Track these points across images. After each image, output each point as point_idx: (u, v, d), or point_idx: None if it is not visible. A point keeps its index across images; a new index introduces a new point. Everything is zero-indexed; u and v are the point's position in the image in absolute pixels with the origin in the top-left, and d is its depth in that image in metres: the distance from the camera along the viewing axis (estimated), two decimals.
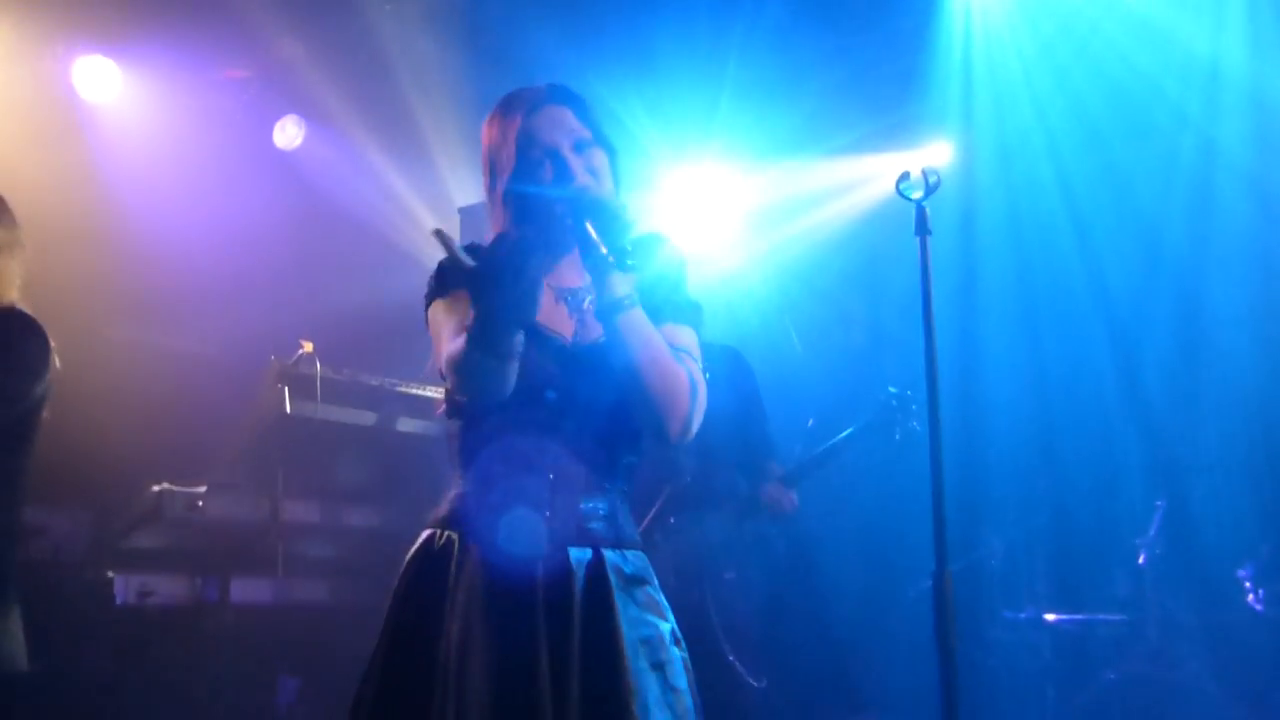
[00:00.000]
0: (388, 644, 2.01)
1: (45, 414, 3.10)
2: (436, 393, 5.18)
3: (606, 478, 2.02)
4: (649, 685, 1.86)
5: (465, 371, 1.88)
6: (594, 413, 1.98)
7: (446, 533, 2.05)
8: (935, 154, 6.27)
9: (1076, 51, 5.78)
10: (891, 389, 4.22)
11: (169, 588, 4.53)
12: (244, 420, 4.80)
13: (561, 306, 2.07)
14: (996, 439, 5.87)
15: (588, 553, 1.94)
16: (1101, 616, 4.94)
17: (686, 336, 2.08)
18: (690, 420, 1.97)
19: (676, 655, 1.94)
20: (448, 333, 2.01)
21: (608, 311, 1.92)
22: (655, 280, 2.08)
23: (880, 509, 5.55)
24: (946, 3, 5.86)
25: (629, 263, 1.85)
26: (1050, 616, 4.98)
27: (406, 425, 5.09)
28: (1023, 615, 5.08)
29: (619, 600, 1.91)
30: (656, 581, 2.03)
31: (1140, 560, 4.80)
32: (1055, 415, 5.96)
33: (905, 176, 2.20)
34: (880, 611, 5.45)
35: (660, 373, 1.94)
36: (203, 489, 4.61)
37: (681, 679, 1.92)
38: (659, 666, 1.89)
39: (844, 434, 4.23)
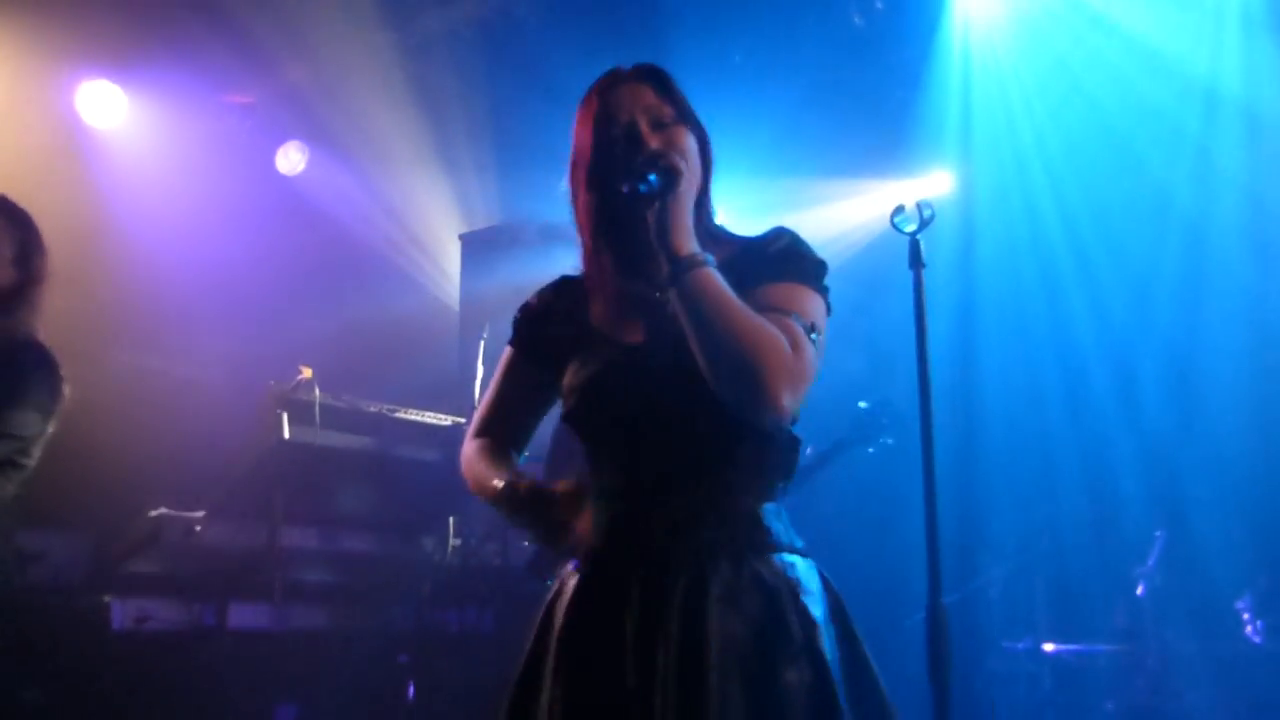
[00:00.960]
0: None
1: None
2: (435, 419, 5.20)
3: (718, 478, 1.79)
4: (733, 707, 1.64)
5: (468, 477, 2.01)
6: (681, 412, 1.77)
7: (576, 564, 1.88)
8: (935, 183, 6.31)
9: (1075, 81, 5.83)
10: (862, 404, 4.29)
11: (166, 613, 4.51)
12: (242, 446, 4.80)
13: (632, 307, 1.89)
14: (996, 468, 5.87)
15: (686, 568, 1.74)
16: (1101, 647, 4.92)
17: (787, 293, 1.79)
18: (779, 390, 1.65)
19: (799, 679, 1.68)
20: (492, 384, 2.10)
21: (672, 278, 1.71)
22: (753, 245, 1.88)
23: (879, 539, 5.54)
24: (946, 34, 5.91)
25: (646, 179, 1.71)
26: (1049, 646, 4.97)
27: (405, 451, 5.10)
28: (1021, 645, 5.07)
29: (715, 613, 1.70)
30: (810, 589, 1.78)
31: (1139, 591, 4.80)
32: (1054, 445, 5.97)
33: (900, 210, 2.20)
34: (878, 643, 5.43)
35: (736, 336, 1.66)
36: (201, 514, 4.61)
37: (799, 704, 1.67)
38: (762, 693, 1.67)
39: (818, 452, 4.29)
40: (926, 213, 2.17)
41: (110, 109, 5.96)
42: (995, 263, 6.23)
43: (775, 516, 1.83)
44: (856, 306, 6.54)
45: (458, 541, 5.10)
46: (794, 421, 1.84)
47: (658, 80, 1.94)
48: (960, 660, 2.20)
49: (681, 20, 5.67)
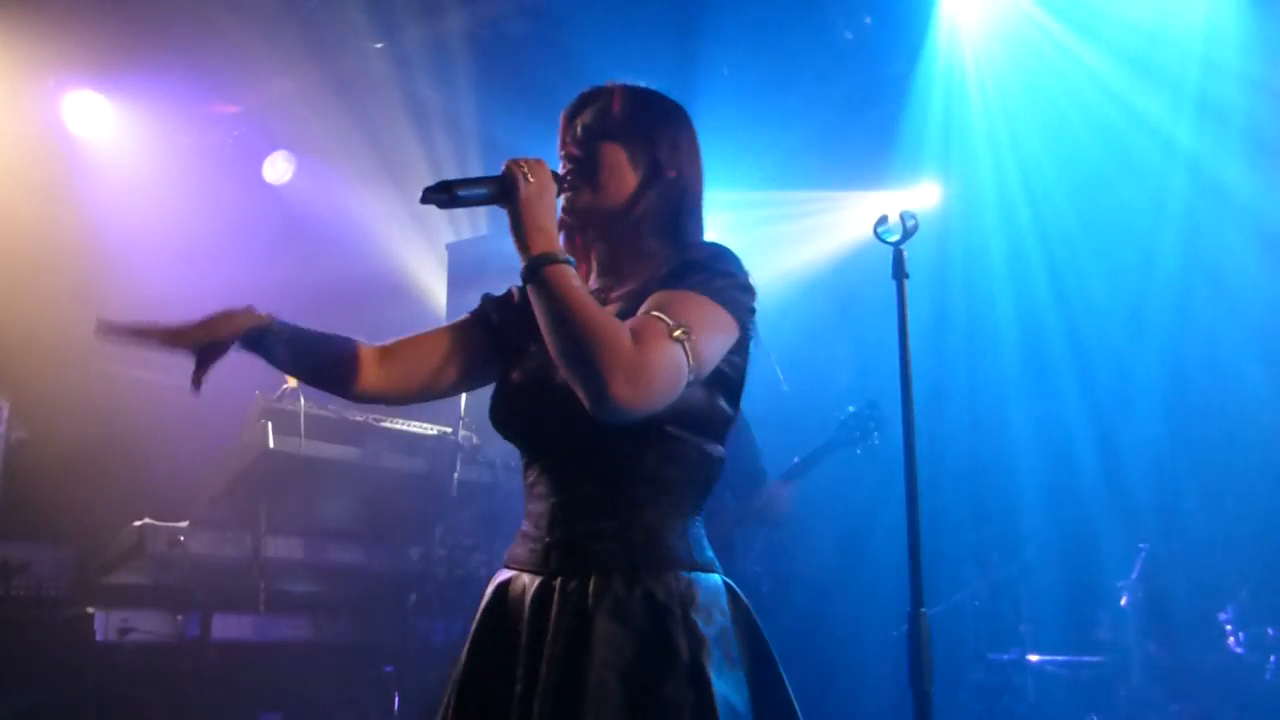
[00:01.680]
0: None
1: (16, 433, 3.04)
2: (421, 429, 5.19)
3: (620, 492, 1.80)
4: None
5: None
6: (583, 427, 1.75)
7: (501, 570, 1.94)
8: (922, 194, 6.35)
9: (1059, 93, 5.87)
10: (850, 407, 4.32)
11: (150, 624, 4.49)
12: (227, 456, 4.78)
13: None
14: (981, 480, 5.90)
15: (578, 579, 1.76)
16: (1084, 658, 4.94)
17: (663, 298, 1.78)
18: (613, 380, 1.64)
19: (680, 697, 1.68)
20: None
21: (525, 275, 1.75)
22: (673, 261, 1.88)
23: (863, 550, 5.57)
24: (932, 48, 5.95)
25: (445, 188, 1.78)
26: (1033, 658, 4.98)
27: (390, 461, 5.09)
28: (1006, 656, 5.08)
29: (601, 627, 1.72)
30: (707, 607, 1.77)
31: (1123, 602, 4.81)
32: (1039, 457, 5.99)
33: (883, 220, 2.21)
34: (862, 654, 5.45)
35: (575, 329, 1.68)
36: (185, 525, 4.60)
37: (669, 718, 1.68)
38: (639, 707, 1.68)
39: (807, 454, 4.32)
40: (910, 223, 2.18)
41: (96, 119, 5.96)
42: (980, 273, 6.27)
43: (679, 533, 1.82)
44: (840, 318, 6.59)
45: (443, 551, 5.09)
46: (722, 436, 1.88)
47: (620, 97, 1.99)
48: (944, 671, 2.20)
49: (668, 34, 5.70)
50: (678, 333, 1.71)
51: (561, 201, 1.91)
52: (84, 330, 5.81)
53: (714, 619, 1.78)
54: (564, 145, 1.99)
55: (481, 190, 1.81)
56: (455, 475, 5.02)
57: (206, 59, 5.69)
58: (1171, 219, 5.73)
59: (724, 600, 1.82)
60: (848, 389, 6.25)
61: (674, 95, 2.06)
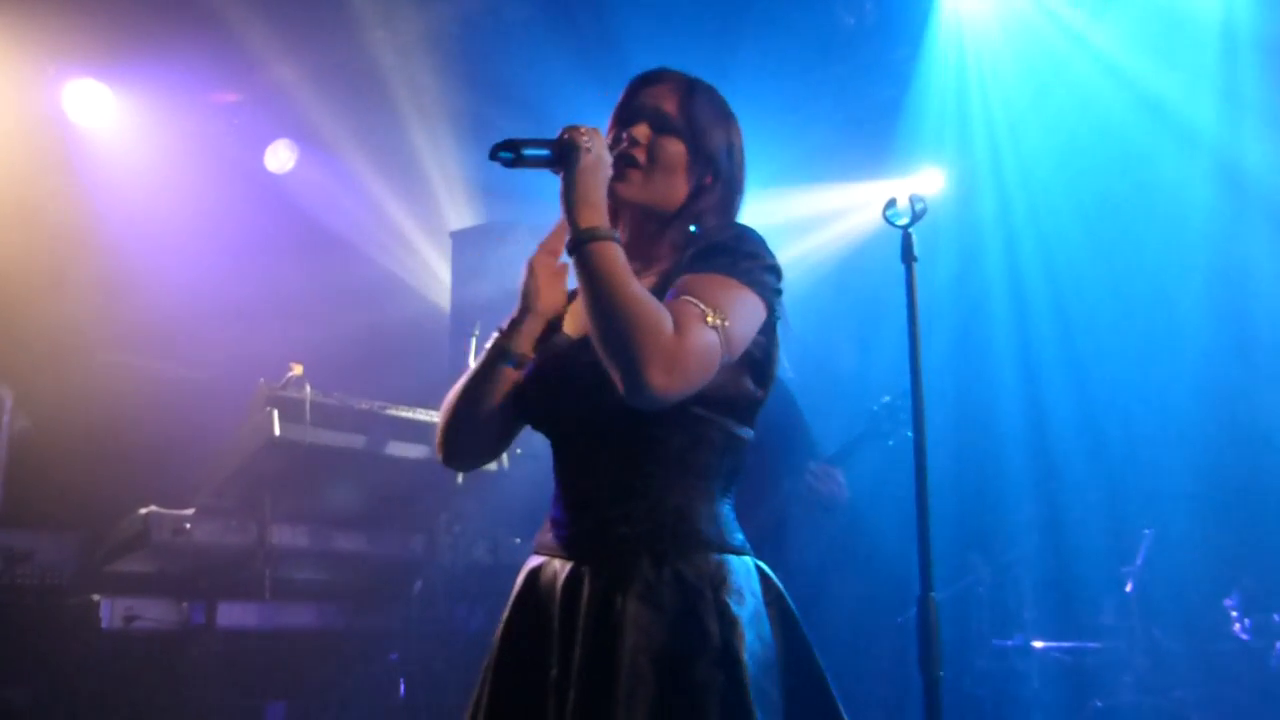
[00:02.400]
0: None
1: (20, 422, 3.01)
2: (426, 416, 5.19)
3: (648, 475, 1.80)
4: (642, 710, 1.65)
5: None
6: (609, 409, 1.75)
7: (532, 556, 1.93)
8: (927, 181, 6.33)
9: (1064, 78, 5.85)
10: (885, 398, 4.24)
11: (156, 612, 4.50)
12: (232, 444, 4.78)
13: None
14: (987, 465, 5.89)
15: (607, 563, 1.76)
16: (1089, 644, 4.94)
17: (697, 281, 1.77)
18: (651, 368, 1.64)
19: (710, 678, 1.68)
20: None
21: (570, 248, 1.75)
22: (698, 242, 1.88)
23: (869, 536, 5.56)
24: (936, 33, 5.93)
25: (512, 147, 1.77)
26: (1038, 644, 4.99)
27: (396, 449, 5.08)
28: (1011, 643, 5.09)
29: (631, 610, 1.71)
30: (738, 589, 1.76)
31: (1128, 588, 4.81)
32: (1042, 443, 5.99)
33: (892, 203, 2.21)
34: (868, 640, 5.45)
35: (617, 310, 1.67)
36: (190, 513, 4.59)
37: (705, 703, 1.66)
38: (671, 690, 1.67)
39: (838, 447, 4.23)
40: (919, 206, 2.18)
41: (97, 108, 5.95)
42: (988, 260, 6.26)
43: (708, 517, 1.81)
44: (846, 307, 6.58)
45: (448, 539, 5.10)
46: (739, 412, 1.86)
47: (687, 91, 2.00)
48: (949, 658, 2.20)
49: (669, 20, 5.68)
50: (712, 318, 1.72)
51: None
52: (87, 318, 5.85)
53: (745, 600, 1.77)
54: (624, 120, 1.97)
55: (544, 152, 1.81)
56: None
57: (207, 47, 5.67)
58: (1182, 204, 5.71)
59: (756, 582, 1.82)
60: (851, 376, 6.26)
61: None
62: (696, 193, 1.96)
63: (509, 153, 1.79)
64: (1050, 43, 5.77)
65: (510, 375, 1.96)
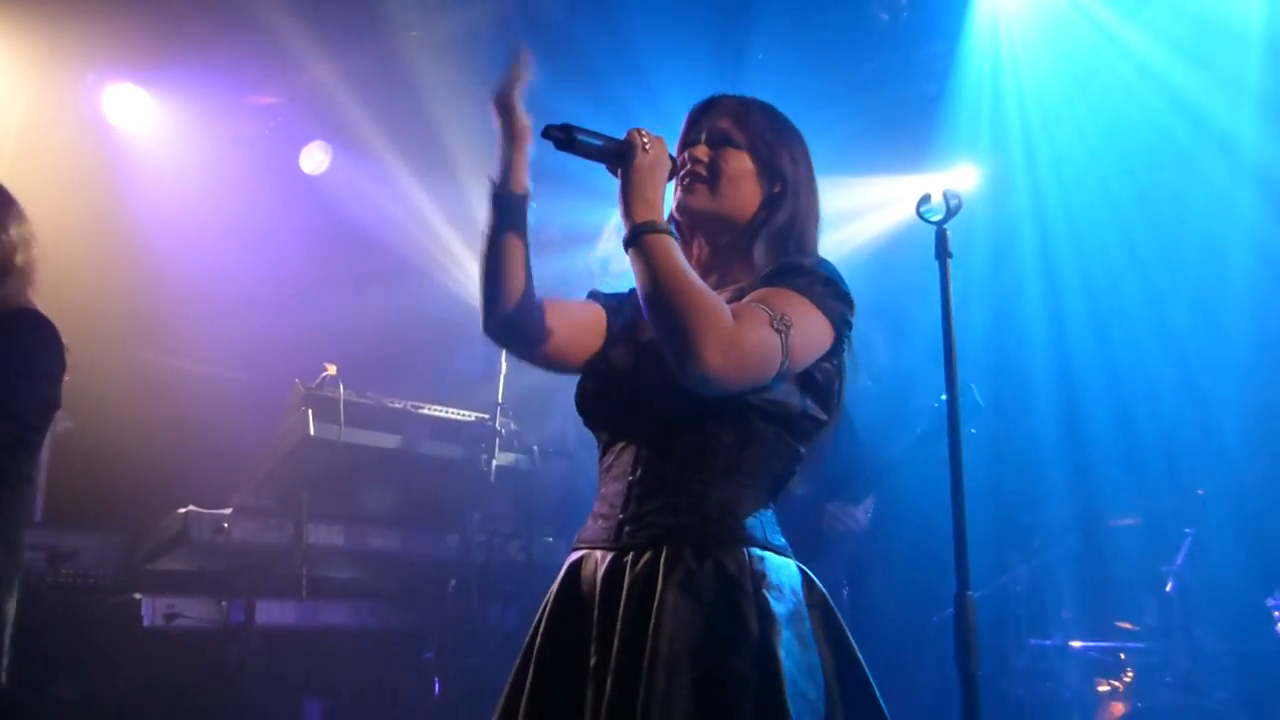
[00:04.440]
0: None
1: (63, 423, 3.04)
2: (460, 415, 5.21)
3: (698, 470, 1.81)
4: (676, 700, 1.64)
5: None
6: (661, 406, 1.81)
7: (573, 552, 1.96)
8: (961, 177, 6.28)
9: (1101, 74, 5.78)
10: (944, 397, 4.18)
11: (195, 610, 4.54)
12: (268, 443, 4.82)
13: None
14: (1025, 463, 5.84)
15: (649, 553, 1.77)
16: (1129, 644, 4.89)
17: (767, 292, 1.81)
18: (708, 350, 1.65)
19: (746, 672, 1.67)
20: None
21: (627, 241, 1.79)
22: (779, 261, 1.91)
23: (910, 533, 5.53)
24: (973, 29, 5.88)
25: (567, 131, 1.84)
26: (1076, 644, 4.93)
27: (430, 448, 5.11)
28: (1049, 642, 5.03)
29: (671, 599, 1.71)
30: (778, 586, 1.76)
31: (1168, 588, 4.75)
32: (1080, 441, 5.93)
33: (926, 199, 2.19)
34: (909, 639, 5.42)
35: (676, 297, 1.69)
36: (228, 512, 4.64)
37: (740, 698, 1.66)
38: (707, 682, 1.66)
39: (900, 447, 4.18)
40: (954, 202, 2.16)
41: (135, 111, 6.01)
42: (1026, 256, 6.21)
43: (752, 514, 1.83)
44: (881, 303, 6.53)
45: (482, 538, 5.11)
46: (812, 424, 1.87)
47: (743, 108, 2.04)
48: (986, 657, 2.18)
49: (704, 16, 5.67)
50: (777, 323, 1.74)
51: (675, 199, 1.97)
52: (127, 319, 5.91)
53: (785, 597, 1.77)
54: (686, 144, 2.03)
55: (597, 143, 1.86)
56: (494, 462, 5.04)
57: (243, 50, 5.72)
58: (1217, 203, 5.63)
59: (798, 583, 1.82)
60: (885, 370, 6.22)
61: (708, 80, 2.09)
62: (768, 202, 2.00)
63: (561, 134, 1.85)
64: (1085, 40, 5.70)
65: (518, 240, 2.00)
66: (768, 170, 2.01)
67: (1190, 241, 5.68)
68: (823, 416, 1.91)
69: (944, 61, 6.01)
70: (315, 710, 5.07)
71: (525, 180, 2.00)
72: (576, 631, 1.81)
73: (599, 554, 1.85)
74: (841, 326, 1.88)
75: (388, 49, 5.99)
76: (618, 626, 1.73)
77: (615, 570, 1.80)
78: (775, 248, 1.97)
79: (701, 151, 2.00)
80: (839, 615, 1.83)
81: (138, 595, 4.43)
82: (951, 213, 2.15)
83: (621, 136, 1.88)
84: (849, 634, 1.82)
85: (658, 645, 1.68)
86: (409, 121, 6.30)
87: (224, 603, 4.60)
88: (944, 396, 4.18)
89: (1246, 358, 5.51)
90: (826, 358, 1.87)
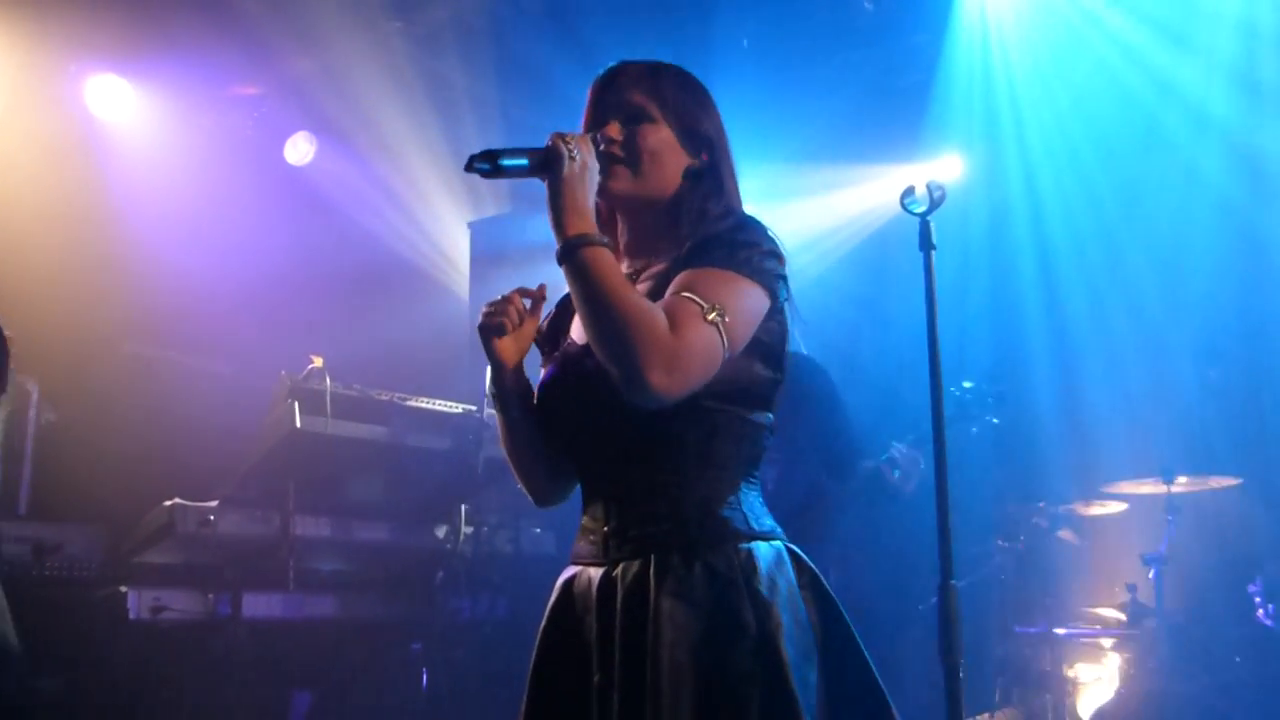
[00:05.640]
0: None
1: (47, 415, 2.98)
2: (446, 407, 5.21)
3: (670, 472, 1.79)
4: (683, 706, 1.66)
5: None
6: (620, 410, 1.75)
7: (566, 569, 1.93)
8: (946, 167, 6.30)
9: (1089, 62, 5.81)
10: (966, 384, 4.17)
11: (182, 603, 4.53)
12: (254, 436, 4.81)
13: None
14: (1017, 450, 5.86)
15: (637, 564, 1.76)
16: (1112, 631, 4.93)
17: (693, 277, 1.75)
18: (649, 368, 1.64)
19: (750, 668, 1.68)
20: None
21: (560, 256, 1.73)
22: (697, 235, 1.84)
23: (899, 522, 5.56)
24: (959, 19, 5.89)
25: (489, 157, 1.75)
26: (1059, 631, 4.97)
27: (416, 440, 5.10)
28: (1033, 630, 5.07)
29: (665, 606, 1.71)
30: (770, 575, 1.75)
31: (1150, 575, 4.79)
32: (1064, 429, 5.96)
33: (910, 191, 2.18)
34: (895, 625, 5.45)
35: (610, 314, 1.66)
36: (214, 504, 4.63)
37: (747, 693, 1.66)
38: (713, 684, 1.67)
39: (919, 433, 4.15)
40: (937, 193, 2.16)
41: (118, 103, 5.98)
42: (1004, 244, 6.23)
43: (732, 505, 1.81)
44: (863, 289, 6.55)
45: (470, 529, 5.12)
46: (763, 406, 1.85)
47: (653, 77, 1.94)
48: (970, 645, 2.20)
49: (690, 4, 5.67)
50: (712, 315, 1.70)
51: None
52: (111, 312, 5.89)
53: (779, 586, 1.76)
54: (595, 123, 1.92)
55: (523, 161, 1.78)
56: (481, 453, 5.04)
57: (227, 41, 5.69)
58: (1202, 188, 5.66)
59: (789, 566, 1.81)
60: (873, 359, 6.24)
61: (693, 68, 2.04)
62: (693, 172, 1.93)
63: (486, 163, 1.76)
64: (1069, 25, 5.73)
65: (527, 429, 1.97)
66: (688, 138, 1.93)
67: (1190, 218, 5.71)
68: (777, 376, 1.87)
69: (929, 51, 6.03)
70: (303, 702, 5.07)
71: (520, 381, 1.96)
72: (575, 651, 1.81)
73: (591, 571, 1.84)
74: (775, 285, 1.82)
75: (372, 39, 5.98)
76: (616, 641, 1.73)
77: (607, 585, 1.79)
78: (700, 218, 1.90)
79: (615, 130, 1.89)
80: (831, 593, 1.83)
81: (123, 588, 4.42)
82: (935, 204, 2.15)
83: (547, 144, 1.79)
84: (844, 612, 1.82)
85: (659, 654, 1.68)
86: (395, 112, 6.29)
87: (210, 595, 4.59)
88: (966, 384, 4.18)
89: (1249, 343, 5.54)
90: (768, 318, 1.83)
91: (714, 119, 1.98)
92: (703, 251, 1.80)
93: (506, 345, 1.93)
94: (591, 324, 1.70)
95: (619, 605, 1.75)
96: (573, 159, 1.76)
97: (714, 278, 1.75)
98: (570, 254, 1.71)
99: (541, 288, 1.96)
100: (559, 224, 1.74)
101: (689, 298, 1.71)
